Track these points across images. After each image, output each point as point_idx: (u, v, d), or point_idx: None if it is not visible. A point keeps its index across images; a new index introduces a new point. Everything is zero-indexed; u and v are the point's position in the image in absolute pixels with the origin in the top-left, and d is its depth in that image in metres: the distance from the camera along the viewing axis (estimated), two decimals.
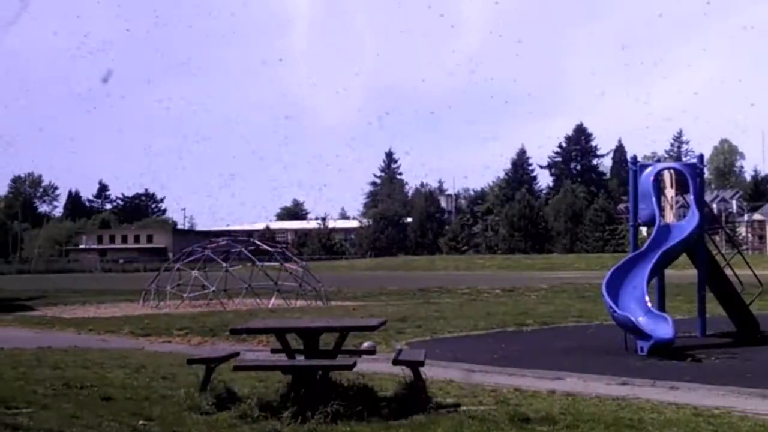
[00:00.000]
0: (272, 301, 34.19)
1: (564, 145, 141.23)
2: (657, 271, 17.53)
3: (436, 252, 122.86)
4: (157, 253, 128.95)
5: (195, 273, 36.52)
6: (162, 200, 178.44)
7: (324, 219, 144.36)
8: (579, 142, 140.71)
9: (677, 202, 19.37)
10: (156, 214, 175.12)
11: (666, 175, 18.83)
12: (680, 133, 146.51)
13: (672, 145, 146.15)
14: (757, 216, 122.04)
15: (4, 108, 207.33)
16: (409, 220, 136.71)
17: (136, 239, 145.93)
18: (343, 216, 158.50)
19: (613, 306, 16.05)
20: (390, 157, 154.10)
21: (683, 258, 18.82)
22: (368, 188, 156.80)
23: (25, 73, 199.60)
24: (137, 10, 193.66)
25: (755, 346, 16.98)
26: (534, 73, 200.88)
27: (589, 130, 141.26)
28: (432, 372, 11.90)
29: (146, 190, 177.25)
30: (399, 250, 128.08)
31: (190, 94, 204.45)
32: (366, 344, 15.18)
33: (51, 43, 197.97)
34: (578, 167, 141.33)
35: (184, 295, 34.89)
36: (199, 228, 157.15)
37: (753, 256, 75.83)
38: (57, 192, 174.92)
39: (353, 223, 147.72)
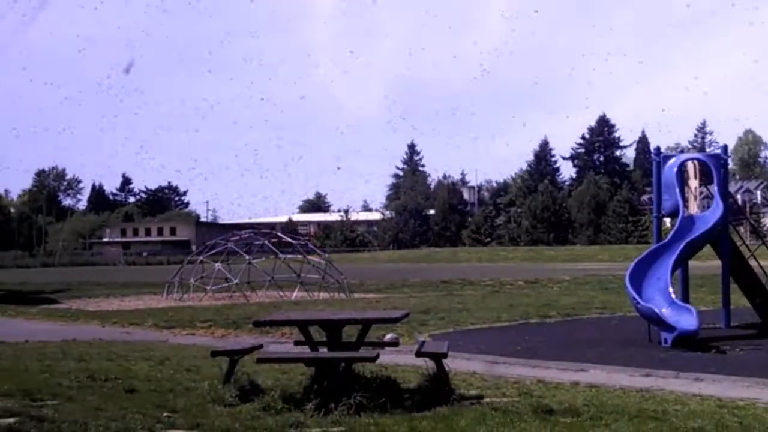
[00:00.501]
0: (295, 293, 34.26)
1: (587, 136, 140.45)
2: (681, 263, 17.46)
3: (459, 244, 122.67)
4: (180, 245, 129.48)
5: (218, 265, 36.67)
6: (185, 193, 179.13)
7: (346, 211, 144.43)
8: (602, 133, 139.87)
9: (701, 193, 19.26)
10: (179, 207, 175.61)
11: (690, 165, 18.73)
12: (704, 124, 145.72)
13: (696, 135, 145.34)
14: None
15: (27, 101, 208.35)
16: (432, 212, 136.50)
17: (160, 232, 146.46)
18: (366, 208, 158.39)
19: (637, 297, 16.00)
20: (412, 149, 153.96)
21: (707, 249, 18.72)
22: (391, 180, 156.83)
23: (49, 66, 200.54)
24: (160, 2, 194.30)
25: None
26: (557, 64, 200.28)
27: (612, 122, 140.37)
28: (455, 364, 11.90)
29: (169, 183, 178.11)
30: (422, 243, 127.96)
31: (213, 87, 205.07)
32: (389, 336, 15.21)
33: (74, 36, 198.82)
34: (601, 158, 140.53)
35: (208, 288, 35.05)
36: (222, 221, 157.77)
37: None
38: (81, 185, 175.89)
39: (376, 216, 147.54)
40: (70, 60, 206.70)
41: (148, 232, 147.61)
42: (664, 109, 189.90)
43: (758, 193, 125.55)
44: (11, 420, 8.22)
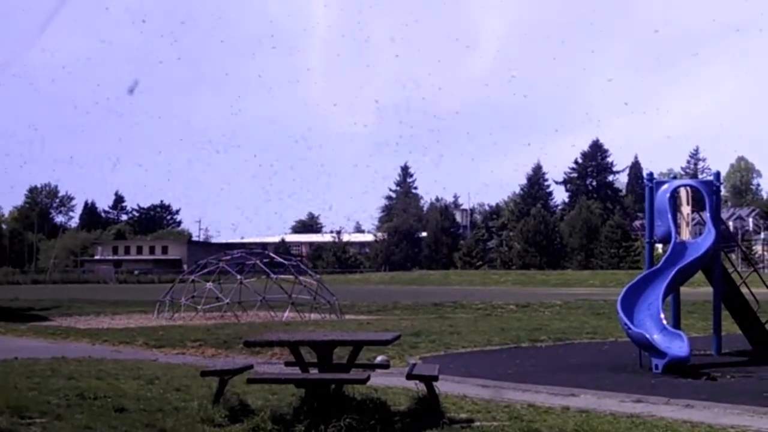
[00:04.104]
0: (286, 313, 34.18)
1: (580, 161, 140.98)
2: (673, 289, 17.46)
3: (451, 267, 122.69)
4: (171, 264, 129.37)
5: (209, 285, 36.58)
6: (177, 212, 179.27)
7: (339, 232, 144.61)
8: (595, 158, 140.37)
9: (693, 220, 19.29)
10: (171, 226, 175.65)
11: (682, 192, 18.76)
12: (697, 150, 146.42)
13: (688, 162, 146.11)
14: None
15: (21, 118, 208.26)
16: (424, 234, 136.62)
17: (151, 250, 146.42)
18: (358, 230, 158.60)
19: (628, 323, 15.99)
20: (405, 171, 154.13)
21: (699, 275, 18.74)
22: (383, 202, 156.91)
23: (44, 84, 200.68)
24: (157, 22, 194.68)
25: None
26: (550, 89, 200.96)
27: (605, 147, 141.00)
28: (445, 387, 11.88)
29: (162, 201, 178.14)
30: (413, 265, 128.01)
31: (207, 107, 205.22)
32: (379, 358, 15.17)
33: (70, 53, 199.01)
34: (594, 183, 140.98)
35: (199, 307, 34.95)
36: (214, 240, 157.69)
37: None
38: (73, 203, 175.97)
39: (368, 237, 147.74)
40: (67, 78, 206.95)
41: (139, 251, 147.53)
42: (657, 135, 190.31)
43: (750, 220, 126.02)
44: None
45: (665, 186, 18.56)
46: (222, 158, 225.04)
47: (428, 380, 10.20)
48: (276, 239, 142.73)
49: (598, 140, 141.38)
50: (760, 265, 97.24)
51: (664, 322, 16.08)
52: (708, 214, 18.24)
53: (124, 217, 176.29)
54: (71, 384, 12.87)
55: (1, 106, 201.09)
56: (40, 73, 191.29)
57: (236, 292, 35.88)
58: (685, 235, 18.40)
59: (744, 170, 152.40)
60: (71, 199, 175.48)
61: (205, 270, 38.16)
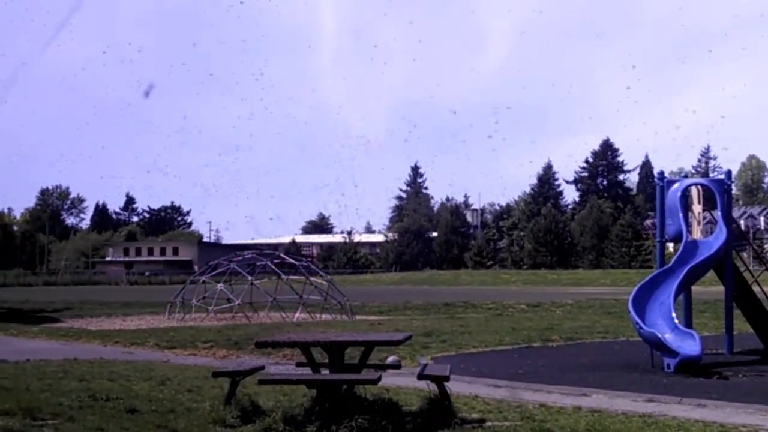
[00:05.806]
0: (297, 314, 34.19)
1: (590, 160, 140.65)
2: (684, 288, 17.41)
3: (461, 266, 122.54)
4: (182, 265, 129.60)
5: (220, 286, 36.61)
6: (188, 213, 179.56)
7: (349, 233, 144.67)
8: (606, 157, 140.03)
9: (704, 218, 19.23)
10: (182, 227, 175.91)
11: (693, 190, 18.71)
12: (708, 149, 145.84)
13: (699, 160, 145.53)
14: None
15: (33, 119, 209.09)
16: (435, 234, 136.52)
17: (162, 252, 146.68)
18: (369, 230, 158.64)
19: (640, 322, 15.96)
20: (416, 171, 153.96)
21: (710, 274, 18.68)
22: (394, 202, 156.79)
23: (55, 85, 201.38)
24: (166, 23, 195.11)
25: None
26: (561, 89, 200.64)
27: (616, 146, 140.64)
28: (457, 387, 11.87)
29: (172, 202, 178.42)
30: (424, 265, 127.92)
31: (217, 107, 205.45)
32: (391, 359, 15.18)
33: (80, 55, 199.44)
34: (605, 182, 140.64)
35: (210, 308, 34.98)
36: (224, 241, 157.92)
37: None
38: (84, 204, 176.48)
39: (379, 237, 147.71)
40: (78, 78, 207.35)
41: (150, 252, 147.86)
42: (669, 133, 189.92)
43: (762, 218, 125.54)
44: None
45: (676, 185, 18.51)
46: (230, 159, 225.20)
47: (440, 380, 10.19)
48: (287, 240, 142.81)
49: (608, 139, 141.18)
50: None
51: (676, 321, 16.06)
52: (719, 213, 18.18)
53: (135, 219, 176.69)
54: (83, 385, 12.91)
55: (14, 107, 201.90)
56: (54, 74, 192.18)
57: (247, 293, 35.92)
58: (697, 234, 18.35)
59: (755, 169, 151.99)
60: (82, 200, 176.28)
61: (216, 271, 38.22)
